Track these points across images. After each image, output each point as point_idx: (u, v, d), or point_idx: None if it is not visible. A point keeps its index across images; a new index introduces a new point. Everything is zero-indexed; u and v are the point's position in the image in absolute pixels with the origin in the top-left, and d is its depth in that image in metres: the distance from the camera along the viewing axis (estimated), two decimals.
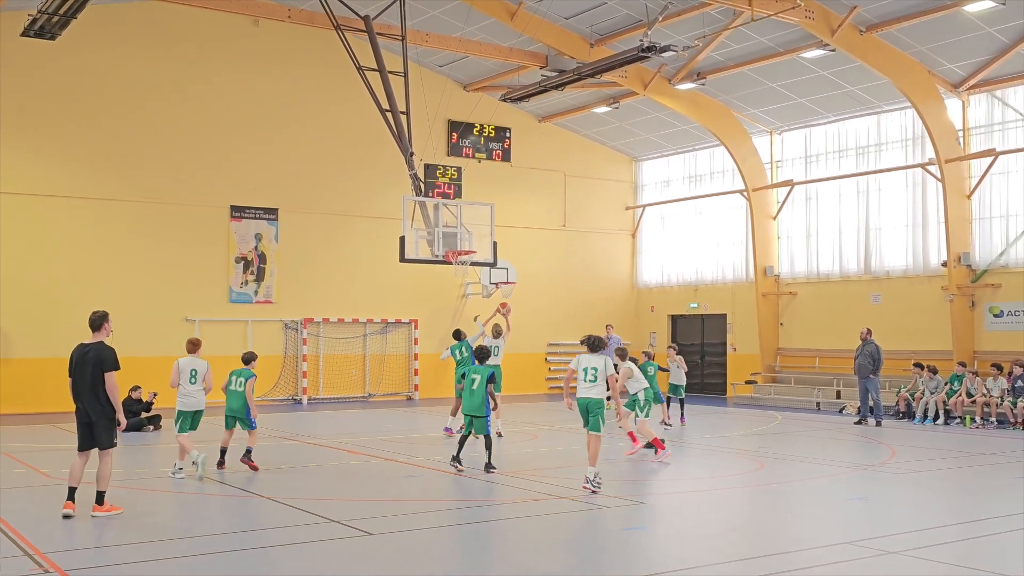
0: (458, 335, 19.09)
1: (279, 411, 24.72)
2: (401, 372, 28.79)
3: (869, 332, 21.85)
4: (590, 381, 12.32)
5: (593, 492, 12.01)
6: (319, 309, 27.41)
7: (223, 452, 14.08)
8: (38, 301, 23.71)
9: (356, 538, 9.77)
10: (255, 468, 13.99)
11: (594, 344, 12.62)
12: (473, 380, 13.93)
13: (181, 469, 13.43)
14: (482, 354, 14.48)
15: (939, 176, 23.92)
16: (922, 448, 17.39)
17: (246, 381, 14.06)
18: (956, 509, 11.70)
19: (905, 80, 23.17)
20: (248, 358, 14.48)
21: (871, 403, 21.31)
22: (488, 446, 13.93)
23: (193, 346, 13.79)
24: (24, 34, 20.47)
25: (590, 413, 12.34)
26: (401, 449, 16.73)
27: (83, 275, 24.23)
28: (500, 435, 17.76)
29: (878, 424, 21.01)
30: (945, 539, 9.88)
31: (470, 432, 14.05)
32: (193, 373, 13.52)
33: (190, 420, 13.56)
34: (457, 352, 18.62)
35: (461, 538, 10.22)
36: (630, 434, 15.58)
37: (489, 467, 13.75)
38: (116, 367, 10.69)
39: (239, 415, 14.02)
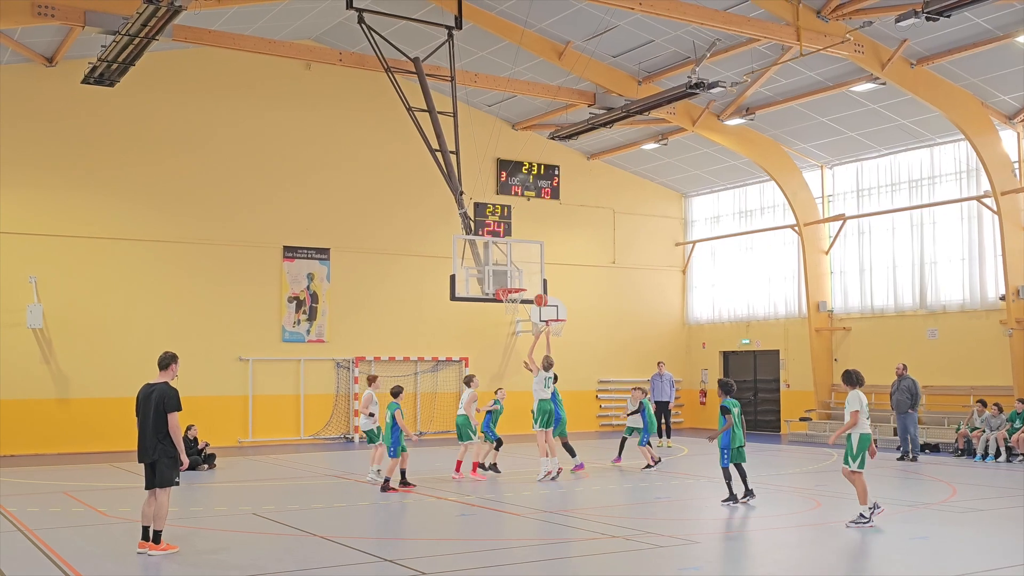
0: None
1: (331, 449, 24.83)
2: (452, 410, 28.67)
3: (905, 367, 21.81)
4: (867, 417, 12.95)
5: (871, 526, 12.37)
6: (370, 347, 27.56)
7: (403, 474, 16.32)
8: (95, 342, 24.12)
9: None
10: (390, 491, 15.83)
11: (856, 379, 13.00)
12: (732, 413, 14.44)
13: (378, 471, 16.72)
14: (727, 388, 14.78)
15: (995, 208, 23.56)
16: (983, 486, 16.99)
17: (391, 413, 15.98)
18: (1022, 549, 11.39)
19: (958, 112, 22.92)
20: (395, 392, 16.51)
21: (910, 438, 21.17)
22: (742, 475, 14.43)
23: (368, 380, 17.74)
24: (84, 81, 21.01)
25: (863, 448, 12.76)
26: (453, 487, 16.69)
27: (138, 316, 24.62)
28: (553, 477, 17.52)
29: (913, 459, 20.75)
30: None
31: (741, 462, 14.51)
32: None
33: (368, 436, 17.55)
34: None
35: None
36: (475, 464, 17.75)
37: (749, 494, 14.33)
38: (178, 407, 10.85)
39: (387, 443, 16.13)
